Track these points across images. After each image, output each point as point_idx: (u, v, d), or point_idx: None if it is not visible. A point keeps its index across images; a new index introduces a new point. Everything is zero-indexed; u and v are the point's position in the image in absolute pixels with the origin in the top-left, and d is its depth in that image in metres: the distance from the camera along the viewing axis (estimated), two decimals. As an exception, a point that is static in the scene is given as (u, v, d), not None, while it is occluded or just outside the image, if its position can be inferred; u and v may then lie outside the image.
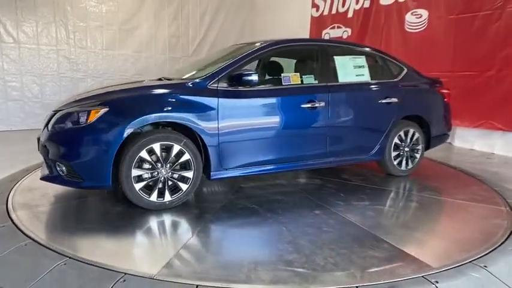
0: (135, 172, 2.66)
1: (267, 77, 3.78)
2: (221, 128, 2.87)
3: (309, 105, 3.22)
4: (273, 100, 3.15)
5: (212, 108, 2.85)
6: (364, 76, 3.62)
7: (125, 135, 2.61)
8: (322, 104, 3.27)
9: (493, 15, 5.08)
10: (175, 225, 2.69)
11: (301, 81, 3.29)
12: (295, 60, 3.82)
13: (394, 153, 3.78)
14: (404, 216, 2.91)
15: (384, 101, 3.63)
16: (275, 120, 3.13)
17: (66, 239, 2.32)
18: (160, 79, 3.41)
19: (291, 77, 3.25)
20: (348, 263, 2.04)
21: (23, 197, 3.08)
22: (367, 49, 3.97)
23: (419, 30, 5.99)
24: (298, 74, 3.30)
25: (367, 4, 6.76)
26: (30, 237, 2.28)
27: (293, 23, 7.99)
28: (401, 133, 3.78)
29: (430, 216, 2.92)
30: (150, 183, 2.74)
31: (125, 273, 1.88)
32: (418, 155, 3.94)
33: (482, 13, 5.19)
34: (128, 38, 7.51)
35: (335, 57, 3.51)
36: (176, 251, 2.19)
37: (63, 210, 2.90)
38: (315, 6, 7.73)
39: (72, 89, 6.79)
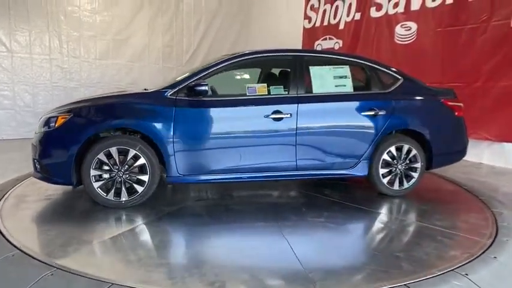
0: (93, 172, 2.95)
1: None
2: (176, 135, 3.02)
3: (273, 116, 3.17)
4: (232, 110, 3.22)
5: (168, 117, 3.02)
6: (346, 87, 3.43)
7: (84, 139, 2.93)
8: (289, 115, 3.19)
9: (479, 29, 5.21)
10: (112, 221, 2.87)
11: (269, 91, 3.31)
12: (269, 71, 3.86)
13: (383, 171, 3.47)
14: (346, 239, 2.69)
15: (367, 114, 3.38)
16: (233, 130, 3.18)
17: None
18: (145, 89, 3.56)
19: (256, 88, 3.28)
20: (234, 273, 2.06)
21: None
22: (353, 59, 3.73)
23: (409, 42, 6.11)
24: (265, 84, 3.32)
25: (357, 16, 6.89)
26: (17, 248, 2.28)
27: (286, 33, 8.10)
28: (392, 149, 3.46)
29: (379, 241, 2.67)
30: (109, 183, 3.00)
31: (112, 283, 1.89)
32: (416, 174, 3.52)
33: (468, 26, 5.32)
34: (122, 48, 7.54)
35: (310, 67, 3.40)
36: (89, 243, 2.40)
37: (49, 211, 3.11)
38: (307, 17, 7.86)
39: (65, 99, 6.76)
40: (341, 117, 3.40)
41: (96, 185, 2.97)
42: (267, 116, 3.16)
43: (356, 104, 3.43)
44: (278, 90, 3.35)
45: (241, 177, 3.28)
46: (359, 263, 2.29)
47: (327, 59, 3.66)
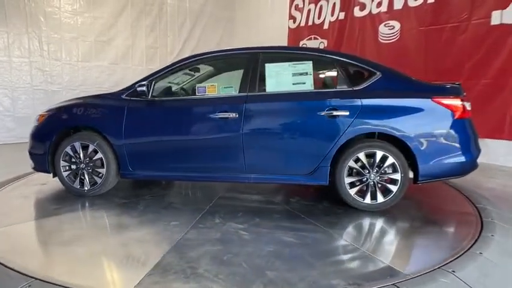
0: (63, 163, 3.42)
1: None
2: (126, 134, 3.28)
3: (219, 116, 3.10)
4: (178, 110, 3.31)
5: (120, 117, 3.29)
6: (305, 85, 3.13)
7: (54, 135, 3.40)
8: (234, 115, 3.07)
9: (460, 27, 5.30)
10: (57, 206, 3.19)
11: (219, 91, 3.31)
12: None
13: (349, 180, 3.03)
14: (237, 250, 2.33)
15: (325, 114, 2.99)
16: (178, 129, 3.27)
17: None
18: None
19: (206, 88, 3.30)
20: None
21: None
22: (316, 53, 3.38)
23: (392, 41, 6.18)
24: (215, 84, 3.32)
25: (342, 16, 6.94)
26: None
27: (271, 34, 8.09)
28: (361, 155, 2.99)
29: (266, 259, 2.21)
30: (75, 173, 3.41)
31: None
32: (394, 187, 2.98)
33: (449, 25, 5.41)
34: (104, 50, 7.41)
35: (266, 65, 3.20)
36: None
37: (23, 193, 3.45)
38: (292, 17, 7.87)
39: (46, 102, 6.59)
40: (293, 118, 3.11)
41: (64, 174, 3.42)
42: (212, 116, 3.13)
43: (312, 103, 3.06)
44: (228, 90, 3.31)
45: (189, 176, 3.38)
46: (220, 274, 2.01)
47: (287, 55, 3.39)
